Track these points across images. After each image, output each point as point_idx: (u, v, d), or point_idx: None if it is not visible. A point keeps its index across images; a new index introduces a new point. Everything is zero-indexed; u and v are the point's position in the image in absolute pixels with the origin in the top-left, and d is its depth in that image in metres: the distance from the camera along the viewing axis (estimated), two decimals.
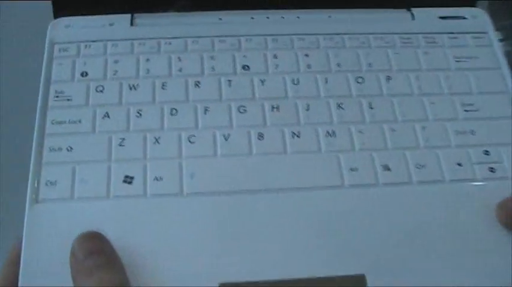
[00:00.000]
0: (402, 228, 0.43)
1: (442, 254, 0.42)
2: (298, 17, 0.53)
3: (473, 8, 0.55)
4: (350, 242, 0.42)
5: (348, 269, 0.41)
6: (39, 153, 0.44)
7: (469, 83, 0.50)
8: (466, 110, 0.48)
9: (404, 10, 0.54)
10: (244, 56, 0.49)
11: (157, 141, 0.45)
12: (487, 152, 0.46)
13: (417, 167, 0.45)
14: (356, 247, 0.42)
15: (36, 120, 0.46)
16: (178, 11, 0.52)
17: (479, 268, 0.41)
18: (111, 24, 0.51)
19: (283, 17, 0.52)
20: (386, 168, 0.45)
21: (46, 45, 0.50)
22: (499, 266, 0.42)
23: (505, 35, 0.63)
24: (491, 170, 0.46)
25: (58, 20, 0.51)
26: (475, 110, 0.48)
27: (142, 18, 0.52)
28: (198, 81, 0.48)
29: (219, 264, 0.40)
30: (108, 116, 0.46)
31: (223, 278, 0.40)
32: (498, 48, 0.52)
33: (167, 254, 0.40)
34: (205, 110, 0.46)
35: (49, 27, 0.51)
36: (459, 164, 0.46)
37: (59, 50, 0.49)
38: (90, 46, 0.49)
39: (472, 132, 0.47)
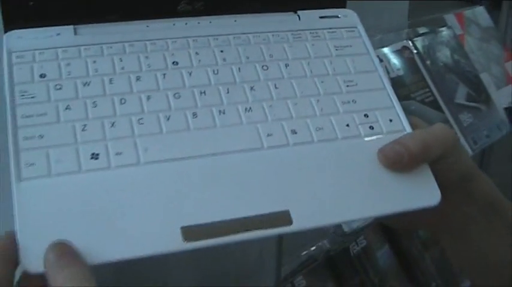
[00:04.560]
0: (312, 174, 0.56)
1: (343, 191, 0.56)
2: (210, 22, 0.65)
3: (345, 9, 0.70)
4: (277, 187, 0.55)
5: (275, 207, 0.53)
6: (15, 143, 0.52)
7: (348, 66, 0.65)
8: (347, 85, 0.63)
9: (292, 13, 0.69)
10: (172, 54, 0.61)
11: (113, 125, 0.55)
12: (366, 115, 0.61)
13: (317, 130, 0.59)
14: (281, 189, 0.54)
15: (8, 116, 0.54)
16: (112, 21, 0.63)
17: (369, 198, 0.56)
18: (58, 34, 0.60)
19: (199, 23, 0.65)
20: (294, 132, 0.58)
21: (4, 54, 0.58)
22: (383, 194, 0.57)
23: None
24: (371, 127, 0.60)
25: (10, 33, 0.60)
26: (355, 85, 0.63)
27: (83, 29, 0.62)
28: (139, 76, 0.59)
29: (178, 213, 0.51)
30: (70, 108, 0.55)
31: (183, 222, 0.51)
32: (366, 38, 0.67)
33: (131, 211, 0.51)
34: (148, 97, 0.57)
35: (4, 39, 0.59)
36: (347, 125, 0.60)
37: (17, 57, 0.58)
38: (43, 53, 0.59)
39: (354, 101, 0.62)
